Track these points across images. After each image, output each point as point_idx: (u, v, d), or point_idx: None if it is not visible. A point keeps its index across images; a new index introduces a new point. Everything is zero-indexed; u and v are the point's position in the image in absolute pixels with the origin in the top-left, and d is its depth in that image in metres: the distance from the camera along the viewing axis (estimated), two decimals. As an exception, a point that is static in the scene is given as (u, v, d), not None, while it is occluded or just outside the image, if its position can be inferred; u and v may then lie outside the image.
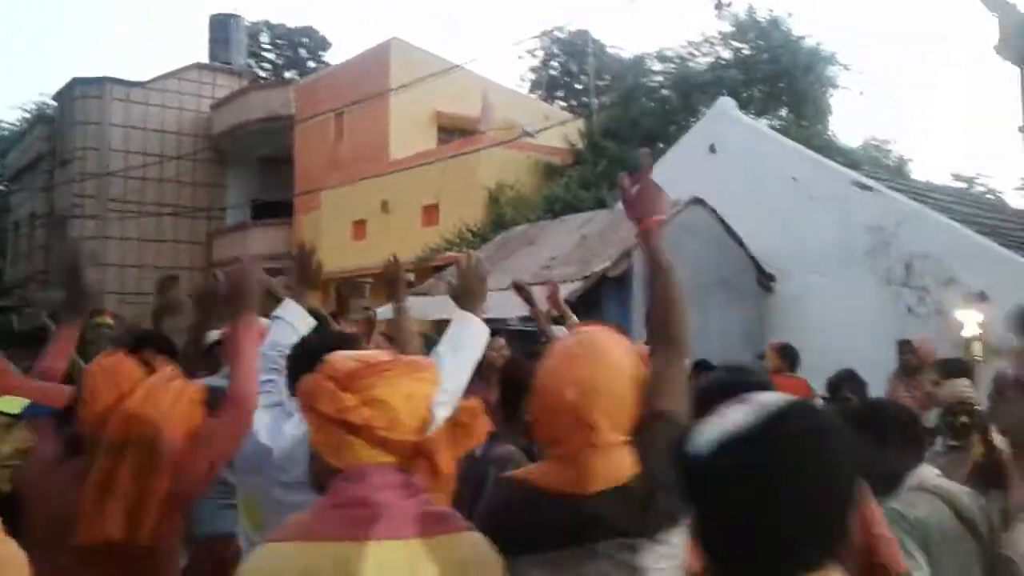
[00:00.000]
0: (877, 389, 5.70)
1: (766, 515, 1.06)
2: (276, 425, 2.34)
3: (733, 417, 1.11)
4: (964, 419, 4.29)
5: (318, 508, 1.52)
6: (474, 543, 1.53)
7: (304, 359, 2.03)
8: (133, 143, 24.21)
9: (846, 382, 4.56)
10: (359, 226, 19.10)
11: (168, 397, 2.12)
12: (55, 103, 26.87)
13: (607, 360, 1.70)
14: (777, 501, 1.06)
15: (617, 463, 1.62)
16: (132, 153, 23.82)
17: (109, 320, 5.06)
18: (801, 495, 1.06)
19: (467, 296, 2.55)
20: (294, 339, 2.48)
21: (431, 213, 17.15)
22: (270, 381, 2.41)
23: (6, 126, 35.15)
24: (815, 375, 4.71)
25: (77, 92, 24.35)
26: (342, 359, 1.58)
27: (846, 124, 41.93)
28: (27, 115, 33.67)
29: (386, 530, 1.44)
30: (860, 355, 8.75)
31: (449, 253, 14.32)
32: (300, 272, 2.78)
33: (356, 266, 15.91)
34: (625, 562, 1.59)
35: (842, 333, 8.93)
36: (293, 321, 2.60)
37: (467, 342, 2.44)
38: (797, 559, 1.08)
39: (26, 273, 26.42)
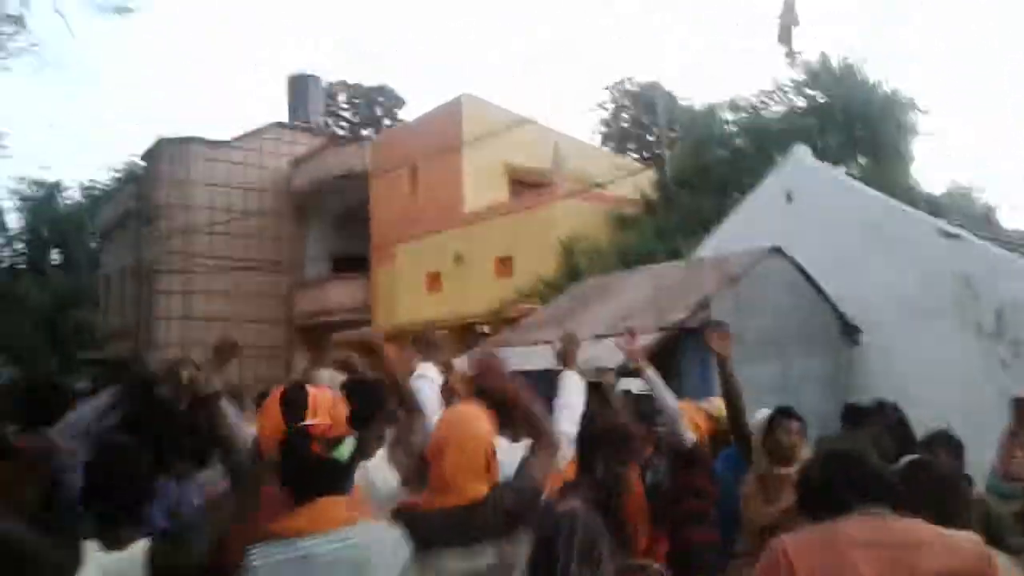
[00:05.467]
0: (972, 445, 5.47)
1: None
2: None
3: None
4: None
5: None
6: None
7: None
8: (217, 199, 25.08)
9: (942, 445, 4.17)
10: (434, 278, 19.33)
11: None
12: (143, 163, 28.09)
13: (460, 433, 2.55)
14: None
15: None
16: (216, 209, 24.67)
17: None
18: None
19: (568, 358, 3.60)
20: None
21: (505, 265, 17.27)
22: None
23: (99, 186, 36.99)
24: (906, 431, 4.55)
25: (163, 152, 25.40)
26: None
27: (929, 171, 40.97)
28: (118, 175, 35.36)
29: None
30: (952, 410, 8.42)
31: (523, 305, 14.35)
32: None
33: (431, 318, 16.10)
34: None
35: (932, 387, 8.61)
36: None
37: (572, 393, 3.40)
38: None
39: (118, 326, 27.41)
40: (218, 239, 24.33)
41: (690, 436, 4.27)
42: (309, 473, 2.20)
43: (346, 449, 2.29)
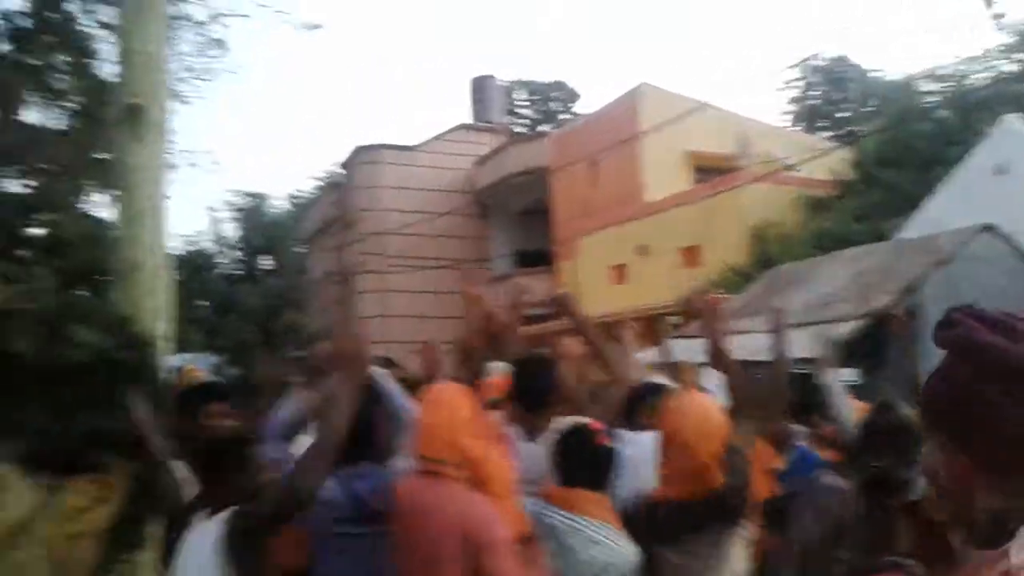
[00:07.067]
0: None
1: None
2: None
3: None
4: None
5: None
6: None
7: None
8: (407, 202, 26.24)
9: None
10: (618, 271, 19.34)
11: None
12: (343, 170, 29.78)
13: (704, 424, 2.58)
14: None
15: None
16: (406, 212, 25.82)
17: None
18: None
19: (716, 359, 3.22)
20: None
21: (692, 254, 17.02)
22: None
23: (303, 194, 39.63)
24: None
25: (359, 159, 26.87)
26: None
27: None
28: (320, 183, 37.75)
29: None
30: None
31: (713, 295, 14.07)
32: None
33: (616, 310, 16.11)
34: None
35: None
36: None
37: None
38: None
39: (324, 326, 29.25)
40: (409, 240, 25.47)
41: None
42: (589, 464, 2.53)
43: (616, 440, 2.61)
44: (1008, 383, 1.04)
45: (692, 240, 16.92)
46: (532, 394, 3.13)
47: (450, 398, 2.67)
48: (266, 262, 36.65)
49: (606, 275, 19.67)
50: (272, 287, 31.73)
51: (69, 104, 18.59)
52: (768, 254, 14.87)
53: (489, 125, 28.34)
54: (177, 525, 2.55)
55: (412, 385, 4.32)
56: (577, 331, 3.42)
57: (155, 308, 2.19)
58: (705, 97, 18.56)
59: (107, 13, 17.60)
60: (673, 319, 15.93)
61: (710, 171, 19.15)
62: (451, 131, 27.82)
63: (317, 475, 2.40)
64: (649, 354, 10.56)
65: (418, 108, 76.03)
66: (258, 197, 36.92)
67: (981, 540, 1.06)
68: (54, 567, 0.82)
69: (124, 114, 2.23)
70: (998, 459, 1.05)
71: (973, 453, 1.08)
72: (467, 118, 28.99)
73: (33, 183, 18.69)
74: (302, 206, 37.46)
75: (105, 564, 0.85)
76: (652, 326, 16.27)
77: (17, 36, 17.49)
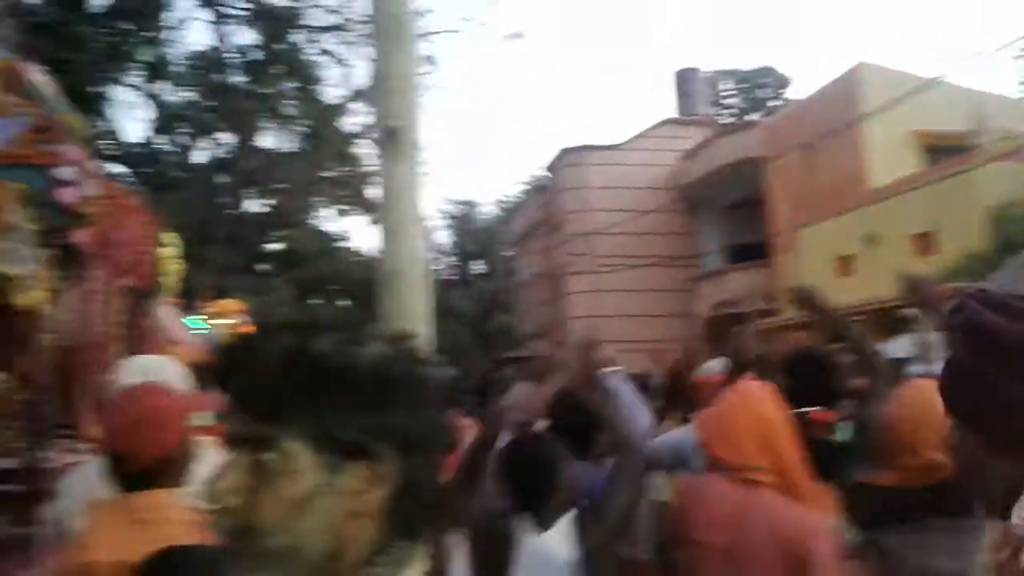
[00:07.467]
0: None
1: None
2: None
3: None
4: None
5: None
6: None
7: None
8: (613, 201, 26.20)
9: None
10: (844, 262, 18.32)
11: None
12: (549, 173, 30.31)
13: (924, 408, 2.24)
14: None
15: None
16: (612, 211, 25.79)
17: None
18: None
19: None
20: None
21: (925, 242, 15.81)
22: None
23: (510, 199, 40.77)
24: None
25: (564, 161, 27.16)
26: None
27: None
28: (526, 187, 38.67)
29: None
30: None
31: (953, 284, 13.02)
32: None
33: (843, 304, 15.28)
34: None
35: None
36: None
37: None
38: None
39: (534, 327, 29.90)
40: (617, 239, 25.42)
41: None
42: (811, 456, 2.36)
43: (839, 433, 2.44)
44: (1006, 361, 1.08)
45: (925, 226, 15.72)
46: (805, 395, 2.86)
47: (759, 399, 2.44)
48: (477, 267, 37.92)
49: (831, 267, 18.66)
50: (483, 291, 32.79)
51: (298, 128, 20.24)
52: (1011, 238, 13.54)
53: (694, 118, 27.80)
54: (485, 534, 2.48)
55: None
56: (820, 324, 3.13)
57: (416, 316, 2.29)
58: (933, 73, 17.25)
59: (329, 41, 18.95)
60: (908, 312, 14.92)
61: (942, 151, 17.71)
62: (656, 127, 27.52)
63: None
64: (888, 348, 9.91)
65: (622, 106, 76.13)
66: (468, 204, 38.34)
67: (998, 512, 1.15)
68: (333, 540, 0.89)
69: (384, 136, 2.37)
70: (1004, 436, 1.11)
71: (982, 431, 1.15)
72: (672, 112, 28.60)
73: (271, 202, 20.48)
74: (510, 211, 38.51)
75: (381, 547, 0.91)
76: (886, 319, 15.32)
77: (251, 68, 19.28)
